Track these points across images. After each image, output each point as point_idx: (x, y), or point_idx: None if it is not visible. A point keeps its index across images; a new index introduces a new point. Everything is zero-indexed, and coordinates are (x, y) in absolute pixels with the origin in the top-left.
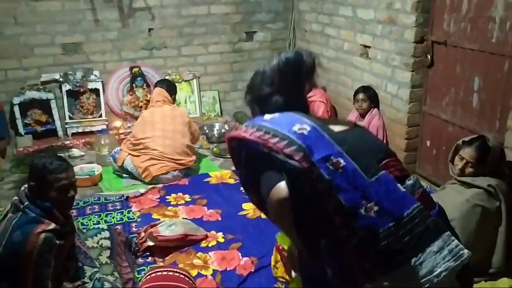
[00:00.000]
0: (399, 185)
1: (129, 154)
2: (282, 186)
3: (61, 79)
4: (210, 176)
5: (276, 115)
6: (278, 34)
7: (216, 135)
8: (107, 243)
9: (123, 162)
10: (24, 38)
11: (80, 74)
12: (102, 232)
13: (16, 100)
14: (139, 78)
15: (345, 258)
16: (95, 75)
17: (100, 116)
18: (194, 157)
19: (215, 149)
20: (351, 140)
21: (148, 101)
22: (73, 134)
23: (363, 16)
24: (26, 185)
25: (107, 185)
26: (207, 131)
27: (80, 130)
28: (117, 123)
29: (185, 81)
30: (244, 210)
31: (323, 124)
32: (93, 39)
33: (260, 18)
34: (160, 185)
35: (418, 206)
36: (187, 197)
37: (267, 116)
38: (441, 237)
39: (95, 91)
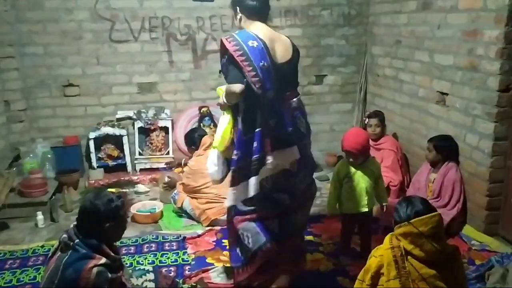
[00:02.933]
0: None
1: (188, 196)
2: (236, 86)
3: (134, 117)
4: None
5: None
6: (349, 78)
7: None
8: (151, 285)
9: (182, 204)
10: (104, 77)
11: (152, 112)
12: (147, 274)
13: (92, 135)
14: (206, 118)
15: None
16: (166, 114)
17: (168, 153)
18: None
19: None
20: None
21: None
22: (141, 169)
23: (440, 61)
24: (74, 223)
25: (166, 224)
26: None
27: (147, 166)
28: (182, 160)
29: None
30: None
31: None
32: (167, 79)
33: (331, 61)
34: (218, 228)
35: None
36: None
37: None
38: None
39: (165, 129)
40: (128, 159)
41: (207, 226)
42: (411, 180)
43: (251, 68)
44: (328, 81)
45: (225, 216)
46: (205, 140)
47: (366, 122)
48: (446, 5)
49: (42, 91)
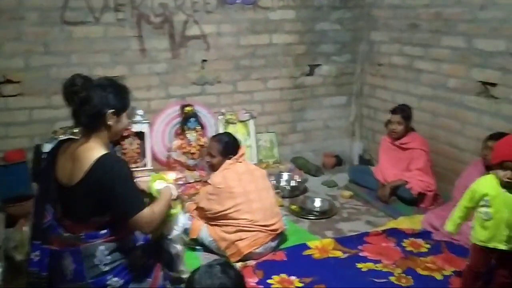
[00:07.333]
0: None
1: (206, 223)
2: None
3: None
4: (309, 248)
5: None
6: (344, 68)
7: (289, 188)
8: None
9: (197, 234)
10: (55, 70)
11: None
12: None
13: (48, 147)
14: (192, 119)
15: None
16: (140, 116)
17: (145, 165)
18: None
19: (293, 206)
20: None
21: (202, 145)
22: None
23: (485, 47)
24: None
25: None
26: (275, 182)
27: None
28: (171, 175)
29: (241, 121)
30: None
31: None
32: (138, 72)
33: (325, 49)
34: (253, 262)
35: None
36: (295, 281)
37: None
38: None
39: (139, 135)
40: None
41: (237, 261)
42: (455, 185)
43: None
44: (321, 71)
45: (261, 248)
46: (243, 147)
47: (389, 118)
48: None
49: None
